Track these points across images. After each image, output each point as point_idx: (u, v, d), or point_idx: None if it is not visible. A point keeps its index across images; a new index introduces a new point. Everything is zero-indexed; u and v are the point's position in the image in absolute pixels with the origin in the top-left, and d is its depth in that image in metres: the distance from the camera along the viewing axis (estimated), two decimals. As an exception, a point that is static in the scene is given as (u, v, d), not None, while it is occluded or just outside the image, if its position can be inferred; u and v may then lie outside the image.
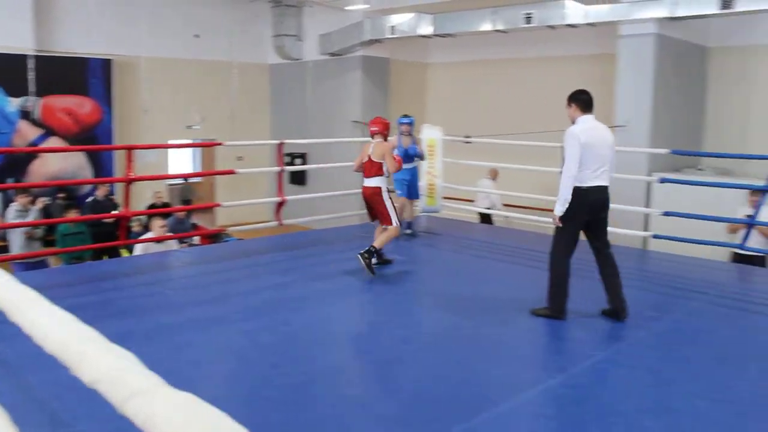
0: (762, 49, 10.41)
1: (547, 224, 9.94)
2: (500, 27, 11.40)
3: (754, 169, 9.43)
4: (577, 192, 4.80)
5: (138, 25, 13.60)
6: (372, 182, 6.45)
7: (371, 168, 6.42)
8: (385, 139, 6.57)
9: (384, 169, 6.40)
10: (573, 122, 4.95)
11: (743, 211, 7.93)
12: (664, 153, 7.70)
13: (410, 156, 7.80)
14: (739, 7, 8.88)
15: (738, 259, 7.99)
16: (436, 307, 5.48)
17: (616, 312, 4.98)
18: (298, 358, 4.25)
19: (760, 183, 6.85)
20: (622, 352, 4.46)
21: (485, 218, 11.12)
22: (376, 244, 6.23)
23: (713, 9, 9.11)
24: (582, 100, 4.98)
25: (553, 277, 4.96)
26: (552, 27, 11.05)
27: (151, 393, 1.04)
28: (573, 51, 12.63)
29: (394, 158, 6.52)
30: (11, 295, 1.58)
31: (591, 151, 4.79)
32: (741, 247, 7.09)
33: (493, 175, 11.33)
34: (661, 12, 9.48)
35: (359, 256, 6.08)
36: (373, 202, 6.49)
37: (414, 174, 8.07)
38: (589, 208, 4.88)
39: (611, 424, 3.40)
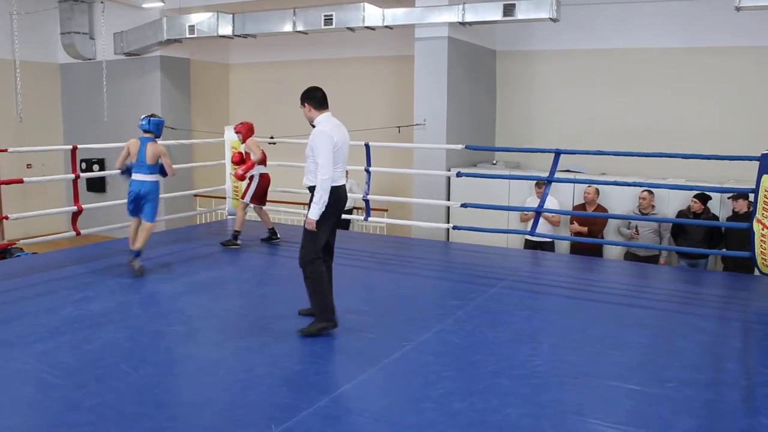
0: (540, 53, 11.35)
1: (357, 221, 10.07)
2: (301, 28, 11.44)
3: (540, 162, 10.24)
4: (331, 192, 4.68)
5: None
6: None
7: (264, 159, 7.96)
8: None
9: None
10: (311, 122, 4.87)
11: (531, 201, 8.62)
12: (459, 149, 8.12)
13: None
14: (519, 15, 9.58)
15: (530, 245, 8.66)
16: (247, 312, 5.41)
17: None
18: (105, 377, 4.00)
19: (545, 175, 7.44)
20: (430, 340, 4.66)
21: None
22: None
23: (497, 16, 9.77)
24: (316, 98, 4.86)
25: (315, 286, 4.71)
26: (351, 29, 11.28)
27: None
28: (374, 52, 12.98)
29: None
30: None
31: (339, 150, 4.74)
32: (531, 233, 7.66)
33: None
34: (452, 17, 10.01)
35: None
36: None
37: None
38: (340, 207, 4.83)
39: (423, 410, 3.54)
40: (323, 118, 4.82)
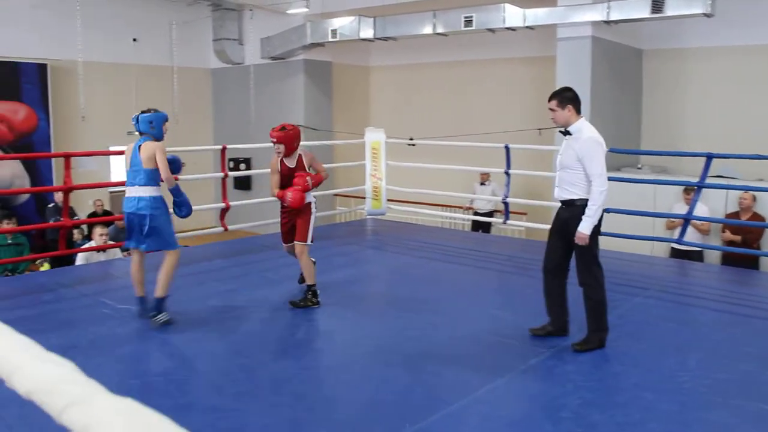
0: (692, 51, 10.75)
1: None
2: (441, 30, 11.49)
3: (688, 166, 9.71)
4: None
5: (74, 30, 13.24)
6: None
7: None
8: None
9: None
10: (566, 126, 4.43)
11: (679, 207, 8.19)
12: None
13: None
14: (668, 12, 9.15)
15: (676, 254, 8.23)
16: (384, 311, 5.48)
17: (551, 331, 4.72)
18: (249, 366, 4.20)
19: (695, 180, 7.04)
20: (569, 348, 4.51)
21: (480, 224, 10.75)
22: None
23: (645, 13, 9.37)
24: (578, 101, 4.43)
25: (601, 304, 4.48)
26: (492, 30, 11.19)
27: (89, 401, 0.99)
28: (513, 53, 12.82)
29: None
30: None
31: None
32: (678, 242, 7.28)
33: (485, 178, 10.95)
34: (596, 15, 9.70)
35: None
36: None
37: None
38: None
39: (560, 419, 3.45)
40: (584, 124, 4.45)
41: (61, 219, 7.00)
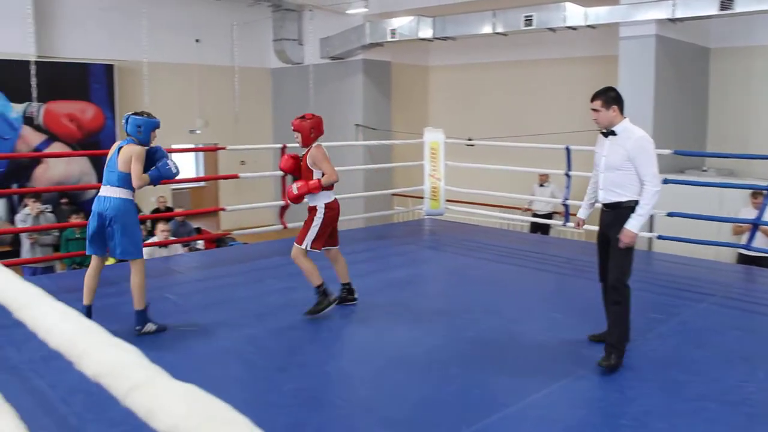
0: (763, 49, 10.39)
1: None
2: (500, 30, 11.39)
3: (758, 169, 9.39)
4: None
5: (139, 31, 13.62)
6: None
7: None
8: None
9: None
10: (609, 127, 4.26)
11: (746, 212, 7.92)
12: (667, 154, 7.67)
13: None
14: (738, 8, 8.87)
15: (744, 260, 7.96)
16: (441, 312, 5.45)
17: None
18: (305, 363, 4.23)
19: (765, 183, 6.80)
20: (630, 354, 4.40)
21: (538, 226, 10.40)
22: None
23: (713, 10, 9.10)
24: (623, 101, 4.26)
25: (626, 312, 4.27)
26: (552, 29, 11.04)
27: (152, 385, 1.02)
28: (574, 53, 12.62)
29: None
30: (13, 291, 1.56)
31: None
32: (747, 247, 7.04)
33: (543, 179, 10.63)
34: (661, 13, 9.47)
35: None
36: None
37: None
38: None
39: (620, 427, 3.37)
40: (630, 124, 4.29)
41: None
